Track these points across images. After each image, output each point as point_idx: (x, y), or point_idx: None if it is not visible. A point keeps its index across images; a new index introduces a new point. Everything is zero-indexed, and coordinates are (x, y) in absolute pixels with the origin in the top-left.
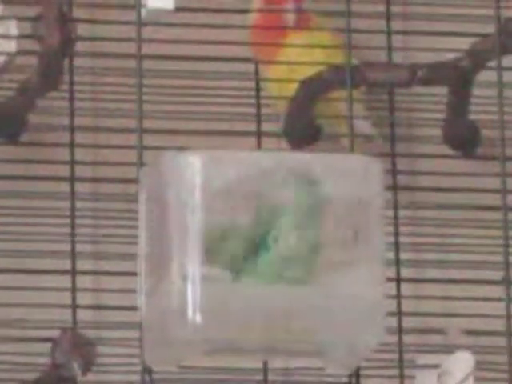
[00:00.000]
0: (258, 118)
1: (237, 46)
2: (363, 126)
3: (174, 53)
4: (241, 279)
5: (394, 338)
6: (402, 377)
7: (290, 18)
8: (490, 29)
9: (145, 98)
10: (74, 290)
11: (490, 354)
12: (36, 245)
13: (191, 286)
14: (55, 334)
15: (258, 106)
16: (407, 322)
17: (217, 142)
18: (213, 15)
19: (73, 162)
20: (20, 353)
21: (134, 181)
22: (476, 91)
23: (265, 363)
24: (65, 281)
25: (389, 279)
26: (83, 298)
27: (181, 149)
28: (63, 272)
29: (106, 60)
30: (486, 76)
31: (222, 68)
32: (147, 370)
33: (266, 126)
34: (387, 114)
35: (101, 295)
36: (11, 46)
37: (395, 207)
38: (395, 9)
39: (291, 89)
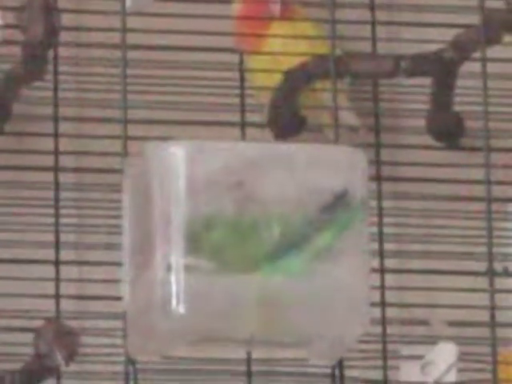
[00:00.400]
0: (242, 109)
1: (221, 36)
2: (347, 117)
3: (158, 43)
4: (224, 269)
5: (377, 329)
6: (385, 368)
7: (275, 9)
8: (474, 20)
9: (129, 88)
10: (57, 279)
11: (473, 344)
12: (20, 235)
13: (175, 276)
14: (38, 323)
15: (242, 96)
16: (391, 313)
17: (201, 132)
18: (197, 5)
19: (57, 152)
20: (3, 343)
21: (118, 171)
22: (460, 82)
23: (248, 354)
24: (48, 271)
25: (373, 270)
26: (67, 288)
27: (165, 139)
28: (47, 262)
29: (90, 50)
30: (470, 67)
31: (206, 58)
32: (130, 361)
33: (250, 117)
34: (371, 104)
35: (84, 285)
36: None
37: (379, 198)
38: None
39: (275, 79)
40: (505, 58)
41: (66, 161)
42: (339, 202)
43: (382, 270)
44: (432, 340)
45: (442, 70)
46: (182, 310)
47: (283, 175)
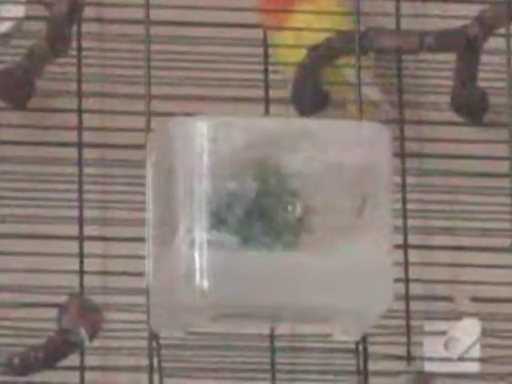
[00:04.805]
0: (266, 85)
1: (245, 12)
2: (371, 93)
3: (182, 19)
4: (248, 245)
5: (401, 305)
6: (409, 344)
7: None
8: None
9: (153, 64)
10: (81, 255)
11: (496, 320)
12: (44, 211)
13: (198, 251)
14: (62, 299)
15: (266, 72)
16: (414, 289)
17: (225, 108)
18: None
19: (80, 128)
20: (27, 318)
21: (142, 147)
22: (484, 58)
23: (272, 329)
24: (72, 246)
25: (396, 246)
26: (91, 264)
27: (188, 115)
28: (71, 238)
29: (114, 26)
30: (494, 43)
31: (230, 34)
32: (154, 336)
33: (273, 93)
34: (395, 80)
35: (108, 261)
36: (19, 11)
37: (403, 174)
38: None
39: (299, 55)
40: None
41: (89, 137)
42: None
43: (406, 246)
44: (456, 316)
45: (466, 45)
46: (205, 285)
47: (307, 151)
